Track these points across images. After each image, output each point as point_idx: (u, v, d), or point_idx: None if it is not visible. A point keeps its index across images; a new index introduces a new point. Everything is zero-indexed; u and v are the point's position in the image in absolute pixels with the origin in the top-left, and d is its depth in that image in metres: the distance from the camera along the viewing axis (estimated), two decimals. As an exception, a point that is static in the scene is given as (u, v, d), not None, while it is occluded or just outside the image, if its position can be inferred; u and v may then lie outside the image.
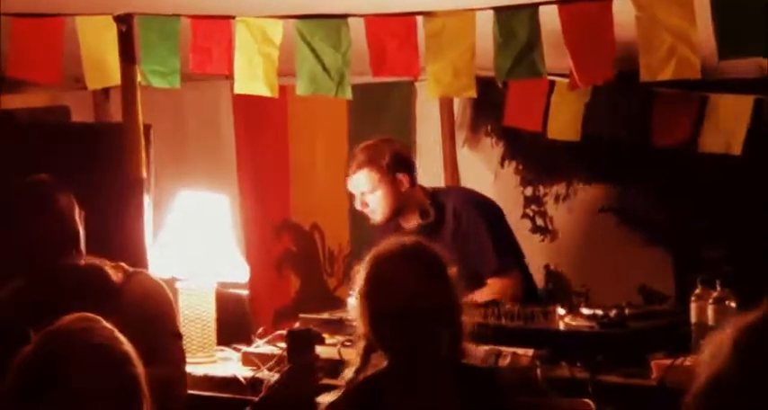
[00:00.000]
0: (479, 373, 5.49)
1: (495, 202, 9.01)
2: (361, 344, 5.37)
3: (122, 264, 6.61)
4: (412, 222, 8.41)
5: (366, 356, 5.34)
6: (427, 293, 5.18)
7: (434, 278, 5.27)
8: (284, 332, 7.01)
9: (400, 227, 8.42)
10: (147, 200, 7.69)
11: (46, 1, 7.38)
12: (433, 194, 8.60)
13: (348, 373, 5.44)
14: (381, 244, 5.46)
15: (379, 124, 10.01)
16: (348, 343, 6.96)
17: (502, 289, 8.11)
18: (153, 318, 5.84)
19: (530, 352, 6.80)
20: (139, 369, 4.17)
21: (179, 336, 6.39)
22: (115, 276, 6.39)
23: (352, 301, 5.54)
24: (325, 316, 7.82)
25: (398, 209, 8.36)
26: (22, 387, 4.28)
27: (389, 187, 8.26)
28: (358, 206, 8.50)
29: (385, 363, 5.30)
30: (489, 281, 8.20)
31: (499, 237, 8.50)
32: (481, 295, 7.93)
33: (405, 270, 5.24)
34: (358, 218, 9.78)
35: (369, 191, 8.32)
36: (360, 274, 5.32)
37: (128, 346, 4.06)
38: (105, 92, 9.41)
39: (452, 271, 5.38)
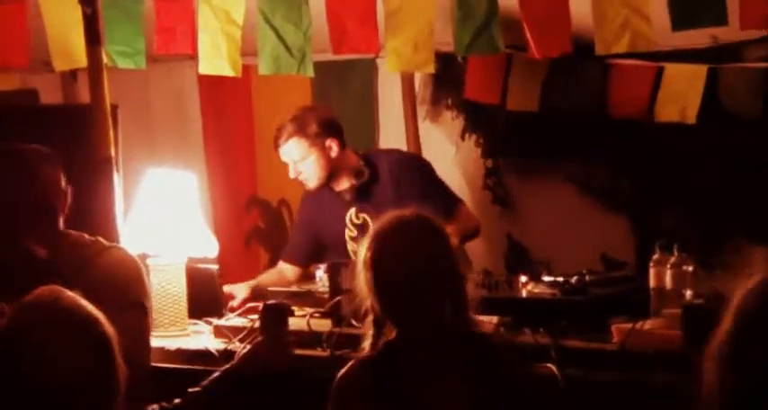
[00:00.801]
0: (489, 341, 5.62)
1: (422, 157, 9.32)
2: (370, 318, 5.42)
3: (100, 239, 6.64)
4: (344, 184, 8.52)
5: (378, 329, 5.40)
6: (432, 261, 5.29)
7: (437, 246, 5.37)
8: (256, 305, 7.13)
9: (333, 191, 8.59)
10: (117, 179, 7.66)
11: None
12: (365, 156, 8.70)
13: (365, 345, 5.49)
14: (382, 217, 5.52)
15: (343, 101, 10.04)
16: (317, 315, 7.02)
17: (456, 231, 8.04)
18: (121, 290, 5.81)
19: (494, 319, 6.82)
20: (109, 330, 4.25)
21: (145, 308, 6.27)
22: (89, 250, 6.44)
23: (320, 273, 5.55)
24: (294, 288, 7.82)
25: (331, 173, 8.47)
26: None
27: (320, 153, 8.39)
28: (292, 175, 8.60)
29: (394, 334, 5.36)
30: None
31: (440, 186, 8.76)
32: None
33: (408, 240, 5.33)
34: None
35: (300, 160, 8.46)
36: (362, 248, 5.39)
37: (95, 310, 4.27)
38: (73, 74, 9.44)
39: (454, 241, 5.66)
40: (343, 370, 5.44)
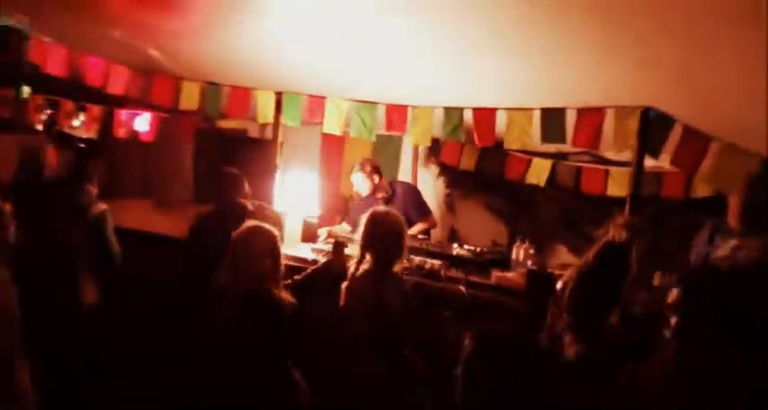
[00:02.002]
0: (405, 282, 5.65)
1: (415, 186, 9.53)
2: (360, 251, 5.63)
3: (259, 202, 6.94)
4: (380, 195, 8.66)
5: (362, 257, 5.60)
6: (394, 228, 5.56)
7: (396, 224, 5.57)
8: (331, 239, 7.37)
9: (374, 197, 8.67)
10: (278, 175, 7.83)
11: (237, 78, 7.57)
12: (390, 183, 8.93)
13: (351, 264, 5.69)
14: (372, 210, 5.73)
15: (384, 153, 10.20)
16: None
17: (423, 226, 8.53)
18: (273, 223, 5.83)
19: (438, 262, 7.05)
20: (277, 238, 5.12)
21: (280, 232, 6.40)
22: (251, 206, 6.79)
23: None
24: (347, 235, 7.95)
25: (374, 189, 8.65)
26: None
27: (370, 180, 8.60)
28: (354, 188, 8.93)
29: (370, 262, 5.59)
30: (418, 222, 8.55)
31: (422, 201, 8.95)
32: (415, 229, 8.39)
33: (381, 218, 5.57)
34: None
35: (360, 182, 8.75)
36: (363, 220, 5.64)
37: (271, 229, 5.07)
38: (265, 125, 9.51)
39: (403, 222, 5.69)
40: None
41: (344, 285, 5.65)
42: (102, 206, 6.57)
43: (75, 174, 6.72)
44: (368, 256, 5.63)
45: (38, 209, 6.18)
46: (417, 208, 8.78)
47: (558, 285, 4.78)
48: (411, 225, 8.33)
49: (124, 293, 7.01)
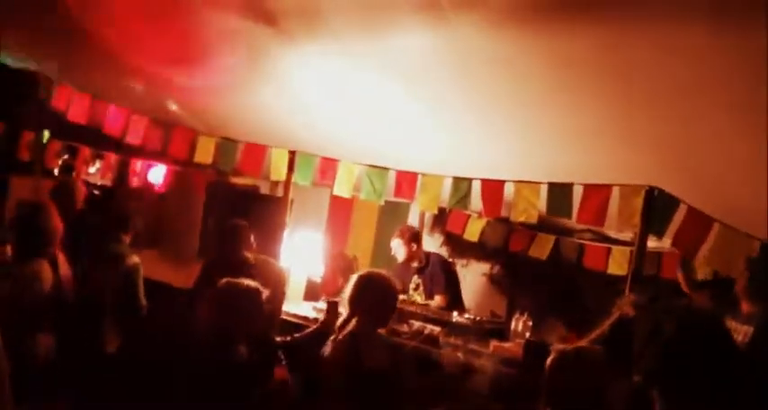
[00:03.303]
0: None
1: (451, 262, 9.52)
2: (346, 313, 5.57)
3: (265, 257, 6.99)
4: (415, 264, 8.69)
5: (349, 319, 5.50)
6: (382, 292, 5.53)
7: (384, 287, 5.54)
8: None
9: (409, 266, 8.74)
10: (286, 231, 7.85)
11: (252, 135, 7.56)
12: (426, 253, 8.89)
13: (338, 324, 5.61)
14: (361, 273, 5.72)
15: (392, 219, 10.21)
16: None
17: (436, 302, 8.38)
18: (277, 278, 5.87)
19: (437, 329, 7.05)
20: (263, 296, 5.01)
21: (283, 291, 6.75)
22: (254, 259, 6.93)
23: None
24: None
25: (409, 258, 8.65)
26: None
27: (407, 247, 8.59)
28: (392, 252, 8.86)
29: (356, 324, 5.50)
30: (436, 296, 8.48)
31: (450, 278, 8.86)
32: (434, 302, 8.34)
33: (369, 281, 5.52)
34: (376, 258, 10.07)
35: (397, 247, 8.70)
36: (351, 282, 5.60)
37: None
38: (276, 182, 9.54)
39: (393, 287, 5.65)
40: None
41: (325, 348, 5.53)
42: (136, 258, 6.65)
43: (113, 223, 6.77)
44: (354, 319, 5.53)
45: (74, 253, 6.07)
46: (443, 281, 8.70)
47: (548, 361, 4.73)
48: (432, 296, 8.48)
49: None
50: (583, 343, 4.78)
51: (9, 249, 5.49)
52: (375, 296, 5.50)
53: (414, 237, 8.79)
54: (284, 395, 5.42)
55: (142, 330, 6.95)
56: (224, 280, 5.20)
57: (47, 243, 5.52)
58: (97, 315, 6.30)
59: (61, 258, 5.67)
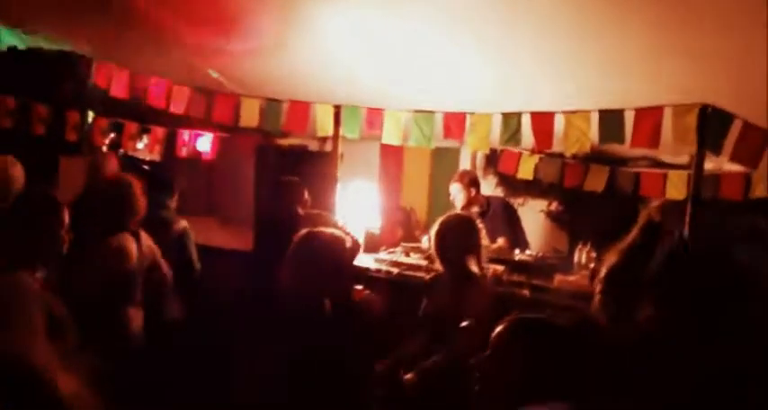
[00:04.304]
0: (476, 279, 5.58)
1: (512, 204, 9.51)
2: (434, 259, 5.64)
3: (319, 211, 7.02)
4: (475, 209, 8.57)
5: (432, 263, 5.59)
6: (463, 236, 5.57)
7: (467, 229, 5.60)
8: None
9: (469, 212, 8.36)
10: (339, 188, 7.85)
11: (295, 94, 7.50)
12: (487, 197, 8.95)
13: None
14: (444, 216, 5.77)
15: (444, 167, 10.16)
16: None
17: (498, 245, 8.24)
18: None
19: (501, 268, 7.05)
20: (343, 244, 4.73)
21: None
22: (309, 213, 7.16)
23: (425, 240, 5.71)
24: (412, 244, 8.06)
25: (469, 202, 8.64)
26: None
27: (467, 191, 8.60)
28: (452, 199, 8.84)
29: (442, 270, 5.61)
30: (499, 239, 8.34)
31: (513, 221, 8.87)
32: (497, 244, 8.18)
33: (451, 225, 5.52)
34: (432, 207, 10.03)
35: (457, 192, 8.69)
36: (434, 228, 5.63)
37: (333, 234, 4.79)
38: (324, 138, 9.56)
39: (476, 228, 5.72)
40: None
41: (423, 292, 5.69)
42: (184, 222, 6.67)
43: (156, 189, 6.77)
44: (440, 263, 5.65)
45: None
46: (505, 225, 8.70)
47: (602, 273, 4.73)
48: (495, 240, 8.34)
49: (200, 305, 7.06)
50: (617, 247, 4.77)
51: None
52: (458, 239, 5.62)
53: (473, 181, 8.79)
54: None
55: (209, 295, 7.01)
56: (304, 230, 4.96)
57: (131, 218, 5.64)
58: (158, 283, 6.30)
59: (143, 232, 5.78)
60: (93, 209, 5.65)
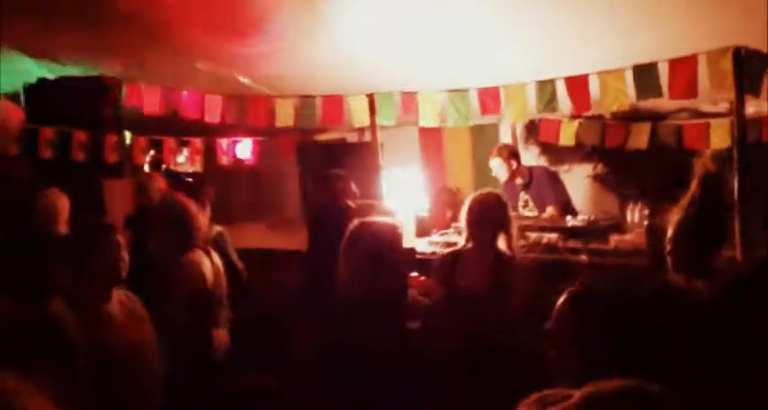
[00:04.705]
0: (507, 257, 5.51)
1: (555, 172, 9.35)
2: (464, 234, 5.58)
3: (370, 201, 6.99)
4: (519, 181, 8.63)
5: (468, 241, 5.53)
6: (492, 214, 5.48)
7: (495, 206, 5.50)
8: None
9: (514, 184, 8.67)
10: (382, 174, 7.83)
11: (326, 89, 7.55)
12: (529, 168, 8.90)
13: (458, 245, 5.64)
14: (476, 193, 5.71)
15: (485, 143, 10.11)
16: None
17: (549, 213, 8.27)
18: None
19: (555, 236, 7.05)
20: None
21: None
22: (359, 204, 7.10)
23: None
24: None
25: (512, 175, 8.60)
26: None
27: (508, 164, 8.56)
28: (494, 173, 8.85)
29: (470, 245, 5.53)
30: (548, 207, 8.35)
31: (557, 187, 8.83)
32: (545, 213, 8.27)
33: (481, 202, 5.48)
34: (477, 184, 10.02)
35: (498, 167, 8.65)
36: (464, 206, 5.58)
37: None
38: (362, 129, 9.58)
39: (505, 206, 5.61)
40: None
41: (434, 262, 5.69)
42: (218, 227, 6.70)
43: None
44: (471, 240, 5.56)
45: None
46: (552, 192, 8.70)
47: (669, 232, 4.68)
48: (544, 209, 8.43)
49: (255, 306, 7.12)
50: (679, 204, 4.72)
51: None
52: (484, 214, 5.51)
53: (512, 154, 8.79)
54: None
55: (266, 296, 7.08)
56: (356, 221, 4.96)
57: (198, 233, 5.75)
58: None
59: (211, 250, 5.88)
60: (159, 229, 5.75)
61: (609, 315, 2.71)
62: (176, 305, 5.14)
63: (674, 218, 4.68)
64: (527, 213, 8.44)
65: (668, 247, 4.49)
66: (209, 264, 5.64)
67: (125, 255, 4.51)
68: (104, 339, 4.21)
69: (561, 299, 2.83)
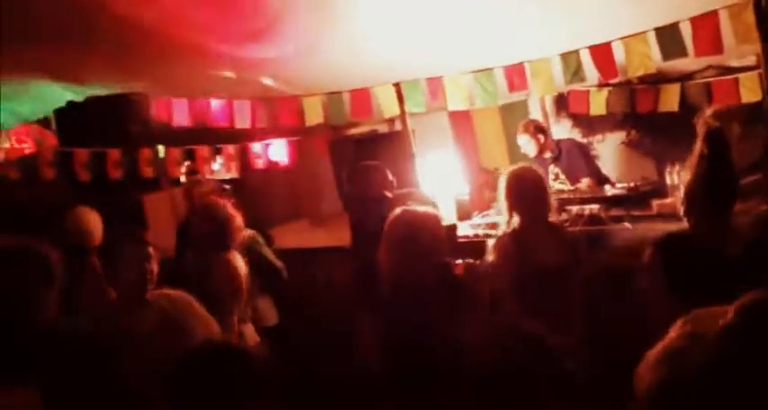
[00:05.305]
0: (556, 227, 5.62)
1: (583, 143, 9.48)
2: (507, 214, 5.59)
3: (408, 189, 7.00)
4: (548, 155, 8.70)
5: (510, 219, 5.56)
6: (534, 184, 5.53)
7: (535, 179, 5.57)
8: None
9: (543, 159, 8.70)
10: (416, 160, 7.87)
11: (358, 79, 7.66)
12: (557, 141, 8.98)
13: (504, 227, 5.66)
14: (510, 169, 5.74)
15: (516, 121, 10.07)
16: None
17: (586, 183, 8.28)
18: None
19: (596, 206, 7.05)
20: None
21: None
22: (397, 194, 6.87)
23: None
24: None
25: (541, 150, 8.67)
26: None
27: (536, 139, 8.62)
28: (523, 150, 8.90)
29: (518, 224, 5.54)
30: (582, 179, 8.35)
31: (587, 157, 8.96)
32: (582, 185, 8.28)
33: (519, 176, 5.49)
34: (513, 162, 10.02)
35: (526, 143, 8.69)
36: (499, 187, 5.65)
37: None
38: (391, 119, 9.62)
39: (543, 178, 5.71)
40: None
41: (493, 245, 5.63)
42: (249, 231, 6.74)
43: None
44: (515, 217, 5.58)
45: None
46: (583, 164, 8.76)
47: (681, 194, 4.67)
48: (576, 181, 8.44)
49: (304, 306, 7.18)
50: (688, 164, 4.71)
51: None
52: (526, 189, 5.54)
53: (539, 129, 8.87)
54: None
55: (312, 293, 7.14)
56: (397, 209, 4.88)
57: (236, 235, 5.97)
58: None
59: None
60: (198, 230, 6.01)
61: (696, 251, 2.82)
62: (214, 302, 5.18)
63: (683, 178, 4.67)
64: (559, 186, 8.45)
65: (682, 209, 4.47)
66: (243, 265, 5.80)
67: (153, 267, 4.65)
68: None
69: (648, 251, 2.94)
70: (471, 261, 5.62)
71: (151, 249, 4.68)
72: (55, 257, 3.80)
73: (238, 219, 6.02)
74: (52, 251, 3.81)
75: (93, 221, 6.52)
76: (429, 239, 4.69)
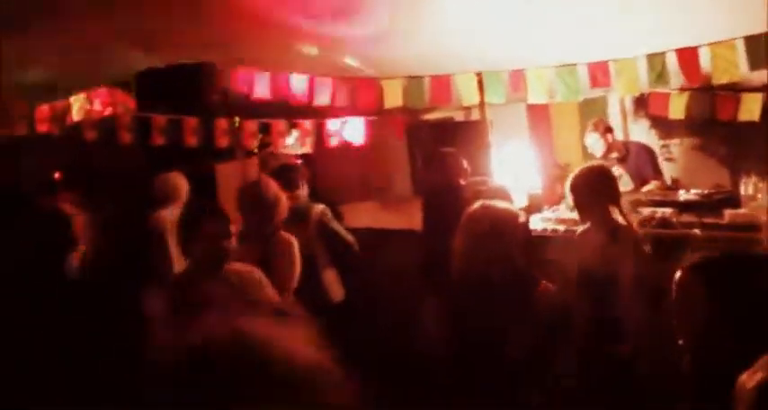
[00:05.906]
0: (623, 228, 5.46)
1: (651, 146, 9.30)
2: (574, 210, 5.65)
3: (482, 178, 7.03)
4: (614, 155, 8.65)
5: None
6: (598, 186, 5.48)
7: (601, 178, 5.54)
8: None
9: (608, 159, 8.57)
10: (491, 150, 7.89)
11: (440, 65, 7.67)
12: (624, 143, 9.02)
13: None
14: (580, 167, 5.72)
15: (590, 111, 10.05)
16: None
17: (656, 186, 8.28)
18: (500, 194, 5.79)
19: (669, 210, 7.05)
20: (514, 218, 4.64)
21: None
22: (472, 183, 6.91)
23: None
24: None
25: (608, 150, 8.63)
26: None
27: (604, 139, 8.61)
28: (589, 149, 8.90)
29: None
30: (650, 182, 8.36)
31: (654, 161, 8.90)
32: (648, 188, 8.31)
33: (586, 174, 5.50)
34: (587, 159, 10.01)
35: (594, 142, 8.71)
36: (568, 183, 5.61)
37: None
38: (468, 108, 9.63)
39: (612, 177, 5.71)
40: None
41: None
42: (319, 206, 6.79)
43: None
44: (583, 215, 5.59)
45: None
46: (651, 167, 8.78)
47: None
48: (644, 184, 8.46)
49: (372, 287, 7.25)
50: None
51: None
52: (594, 185, 5.48)
53: (608, 129, 8.89)
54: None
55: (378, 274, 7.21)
56: (478, 204, 4.72)
57: (279, 214, 5.94)
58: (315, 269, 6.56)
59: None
60: (242, 208, 6.04)
61: (732, 280, 2.64)
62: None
63: None
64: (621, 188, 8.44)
65: None
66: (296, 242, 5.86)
67: (232, 245, 4.71)
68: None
69: (680, 271, 2.79)
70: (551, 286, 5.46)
71: (233, 227, 4.75)
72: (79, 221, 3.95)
73: (282, 199, 6.02)
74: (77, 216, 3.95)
75: (181, 186, 6.99)
76: (507, 240, 4.54)
